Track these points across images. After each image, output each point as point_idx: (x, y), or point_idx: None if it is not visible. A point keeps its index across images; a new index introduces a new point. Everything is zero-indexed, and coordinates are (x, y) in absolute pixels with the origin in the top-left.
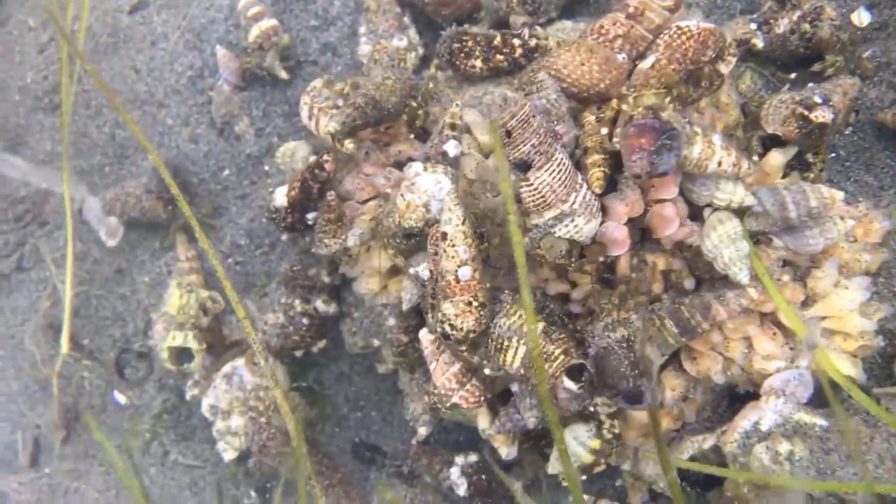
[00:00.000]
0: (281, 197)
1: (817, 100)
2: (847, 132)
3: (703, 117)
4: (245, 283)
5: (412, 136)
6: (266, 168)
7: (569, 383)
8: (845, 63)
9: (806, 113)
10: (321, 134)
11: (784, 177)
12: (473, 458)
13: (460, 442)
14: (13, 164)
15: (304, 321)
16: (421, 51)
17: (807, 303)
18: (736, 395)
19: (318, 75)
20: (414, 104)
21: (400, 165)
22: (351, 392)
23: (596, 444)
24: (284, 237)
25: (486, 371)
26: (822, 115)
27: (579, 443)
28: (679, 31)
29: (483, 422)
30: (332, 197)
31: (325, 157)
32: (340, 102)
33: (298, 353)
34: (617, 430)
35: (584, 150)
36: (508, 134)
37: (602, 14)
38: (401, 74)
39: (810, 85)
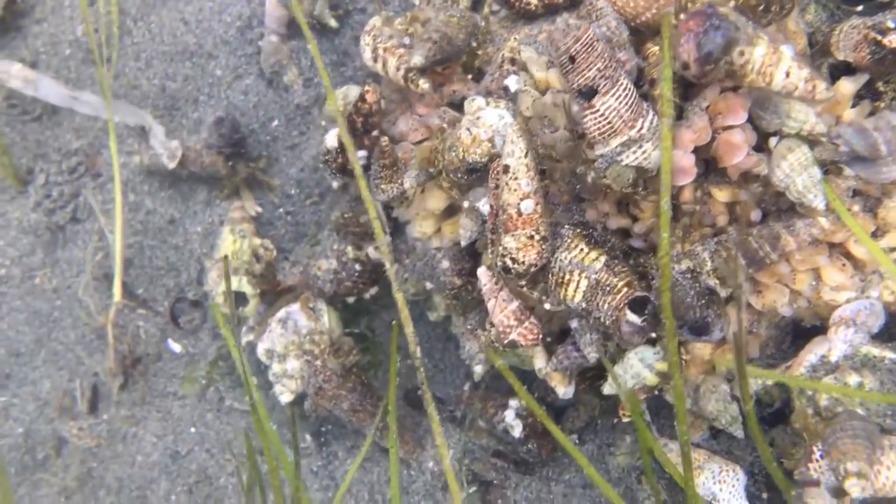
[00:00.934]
0: (332, 138)
1: (891, 24)
2: None
3: (775, 37)
4: (296, 234)
5: (468, 76)
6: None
7: (632, 316)
8: None
9: (879, 38)
10: (391, 74)
11: (853, 106)
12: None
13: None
14: (86, 101)
15: (357, 267)
16: None
17: (877, 234)
18: (800, 332)
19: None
20: (474, 43)
21: (454, 106)
22: (402, 340)
23: (663, 366)
24: (335, 185)
25: (546, 306)
26: (894, 41)
27: (645, 364)
28: None
29: (539, 361)
30: (386, 142)
31: (367, 87)
32: (406, 41)
33: (350, 300)
34: (686, 356)
35: (650, 81)
36: (572, 59)
37: None
38: (463, 13)
39: (880, 13)
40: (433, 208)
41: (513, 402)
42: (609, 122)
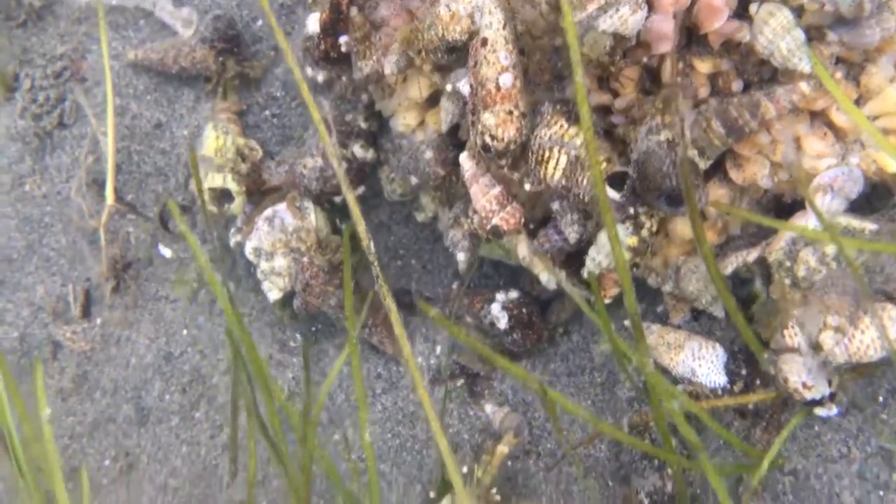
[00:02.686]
0: (313, 23)
1: None
2: None
3: None
4: (282, 136)
5: None
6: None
7: (611, 192)
8: None
9: None
10: None
11: None
12: (514, 293)
13: (500, 286)
14: None
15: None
16: None
17: (859, 102)
18: (782, 210)
19: None
20: None
21: None
22: (391, 241)
23: (633, 241)
24: (320, 78)
25: (527, 187)
26: None
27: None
28: None
29: (523, 248)
30: (355, 13)
31: None
32: None
33: (338, 199)
34: (655, 229)
35: None
36: None
37: None
38: None
39: None
40: (415, 97)
41: (499, 296)
42: None
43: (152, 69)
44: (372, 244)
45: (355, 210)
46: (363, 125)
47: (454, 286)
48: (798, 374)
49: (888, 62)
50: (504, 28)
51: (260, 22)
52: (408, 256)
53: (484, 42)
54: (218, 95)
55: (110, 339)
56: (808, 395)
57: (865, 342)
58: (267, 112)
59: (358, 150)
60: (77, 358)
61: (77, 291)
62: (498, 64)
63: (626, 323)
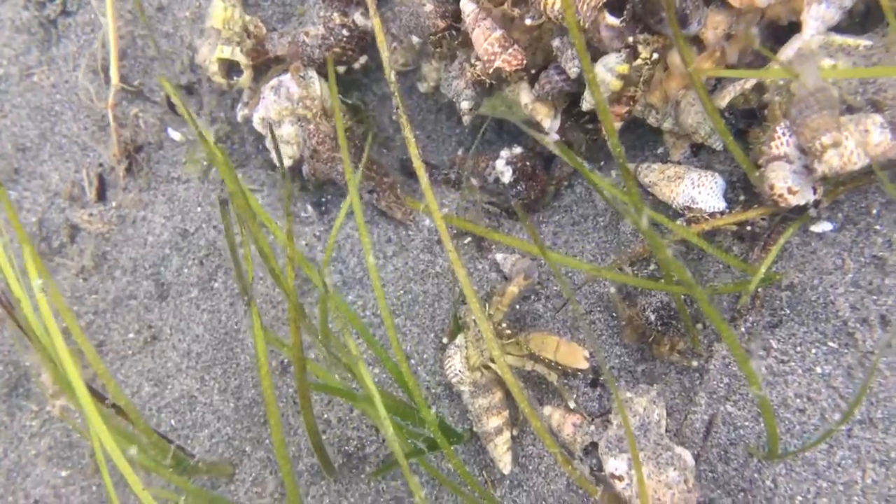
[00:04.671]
0: None
1: None
2: None
3: None
4: (283, 14)
5: None
6: None
7: (611, 17)
8: None
9: None
10: None
11: None
12: (518, 149)
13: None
14: None
15: (345, 33)
16: None
17: None
18: (779, 33)
19: None
20: None
21: None
22: (395, 112)
23: (624, 68)
24: None
25: (528, 21)
26: None
27: (608, 69)
28: None
29: (525, 95)
30: None
31: None
32: None
33: (341, 70)
34: (652, 57)
35: None
36: None
37: None
38: None
39: None
40: None
41: (503, 152)
42: None
43: None
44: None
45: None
46: None
47: (459, 152)
48: (784, 180)
49: None
50: None
51: None
52: (412, 127)
53: None
54: None
55: (126, 220)
56: (794, 200)
57: (849, 149)
58: None
59: (359, 17)
60: (95, 240)
61: (91, 175)
62: None
63: (629, 165)
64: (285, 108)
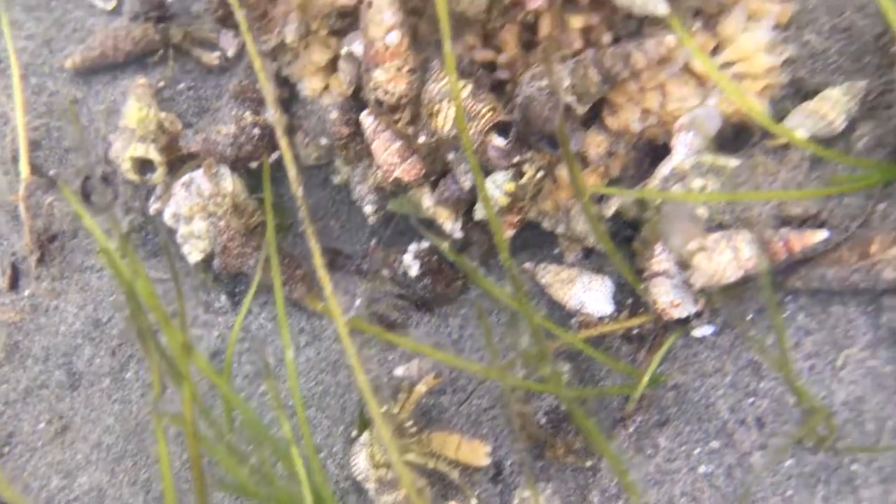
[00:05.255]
0: None
1: None
2: None
3: None
4: (199, 109)
5: None
6: None
7: (498, 139)
8: None
9: None
10: None
11: None
12: (426, 243)
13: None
14: None
15: (256, 131)
16: None
17: (717, 49)
18: (656, 152)
19: None
20: None
21: None
22: (309, 203)
23: (510, 186)
24: (230, 53)
25: (421, 139)
26: None
27: (496, 186)
28: None
29: (426, 200)
30: None
31: None
32: None
33: (254, 165)
34: (537, 175)
35: None
36: None
37: None
38: None
39: None
40: (318, 61)
41: (411, 247)
42: None
43: (97, 68)
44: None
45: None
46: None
47: (372, 242)
48: (666, 295)
49: (740, 11)
50: None
51: None
52: (326, 217)
53: (369, 4)
54: (170, 62)
55: (39, 309)
56: (676, 313)
57: (722, 263)
58: (182, 85)
59: (270, 115)
60: (7, 329)
61: (4, 265)
62: (384, 24)
63: (527, 265)
64: (196, 205)
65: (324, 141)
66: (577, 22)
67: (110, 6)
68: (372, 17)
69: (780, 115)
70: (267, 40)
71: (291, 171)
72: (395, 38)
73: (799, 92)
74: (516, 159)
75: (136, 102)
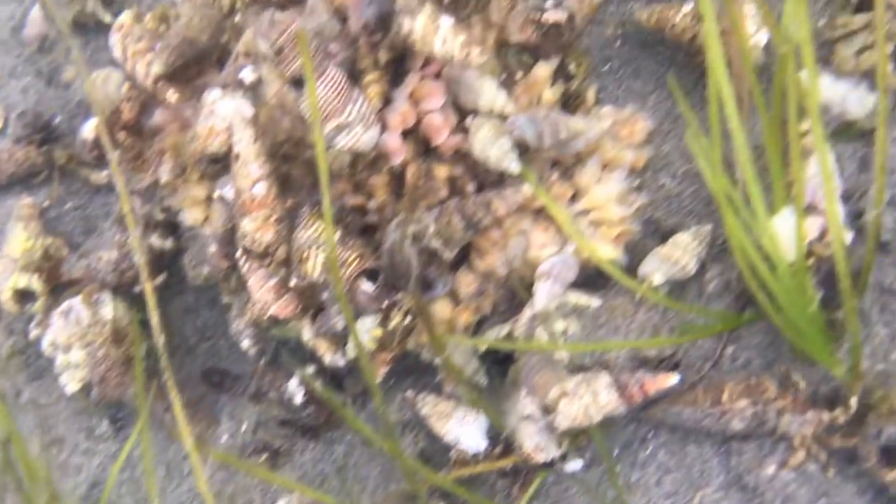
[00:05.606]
0: (88, 130)
1: (548, 4)
2: (617, 45)
3: (471, 31)
4: (85, 227)
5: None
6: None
7: (366, 285)
8: None
9: (539, 19)
10: (140, 79)
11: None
12: (311, 369)
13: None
14: None
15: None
16: None
17: (575, 198)
18: (530, 289)
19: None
20: (224, 39)
21: None
22: (198, 323)
23: (378, 332)
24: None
25: (292, 283)
26: (553, 17)
27: (365, 331)
28: None
29: (306, 332)
30: (124, 137)
31: (123, 104)
32: (157, 46)
33: (137, 290)
34: (405, 322)
35: (361, 71)
36: (279, 52)
37: None
38: (209, 11)
39: None
40: (197, 195)
41: (297, 373)
42: (320, 109)
43: None
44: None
45: (151, 301)
46: (159, 216)
47: (260, 364)
48: (531, 439)
49: (594, 164)
50: (255, 143)
51: (59, 118)
52: (216, 337)
53: (237, 157)
54: (55, 182)
55: None
56: (542, 457)
57: (581, 408)
58: (70, 204)
59: (155, 240)
60: None
61: None
62: (250, 176)
63: (409, 393)
64: (74, 334)
65: (206, 269)
66: (441, 171)
67: None
68: (239, 169)
69: (639, 255)
70: (142, 179)
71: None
72: (261, 189)
73: (657, 231)
74: (385, 303)
75: (23, 231)
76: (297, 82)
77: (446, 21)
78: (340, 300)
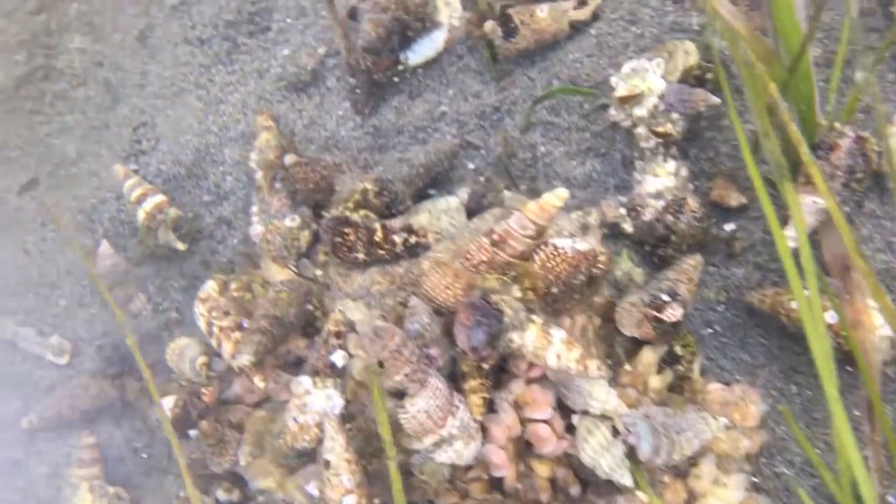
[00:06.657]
0: (168, 407)
1: (665, 298)
2: (720, 308)
3: (574, 322)
4: (147, 468)
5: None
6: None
7: None
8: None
9: (657, 315)
10: (226, 357)
11: (659, 372)
12: None
13: None
14: None
15: None
16: (314, 226)
17: (690, 501)
18: None
19: (214, 250)
20: (311, 307)
21: (288, 365)
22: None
23: None
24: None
25: None
26: (672, 315)
27: None
28: (554, 253)
29: None
30: (206, 425)
31: (204, 390)
32: (244, 324)
33: None
34: None
35: (462, 374)
36: (381, 365)
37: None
38: (293, 285)
39: (653, 282)
40: (273, 474)
41: None
42: (420, 423)
43: (53, 426)
44: None
45: None
46: (226, 467)
47: None
48: None
49: (709, 464)
50: (347, 451)
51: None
52: None
53: (327, 464)
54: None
55: None
56: None
57: None
58: (137, 444)
59: (221, 493)
60: None
61: None
62: (341, 487)
63: None
64: None
65: None
66: (543, 470)
67: (63, 361)
68: (329, 478)
69: None
70: (220, 463)
71: None
72: (351, 501)
73: None
74: None
75: (90, 493)
76: (398, 394)
77: (558, 334)
78: None
